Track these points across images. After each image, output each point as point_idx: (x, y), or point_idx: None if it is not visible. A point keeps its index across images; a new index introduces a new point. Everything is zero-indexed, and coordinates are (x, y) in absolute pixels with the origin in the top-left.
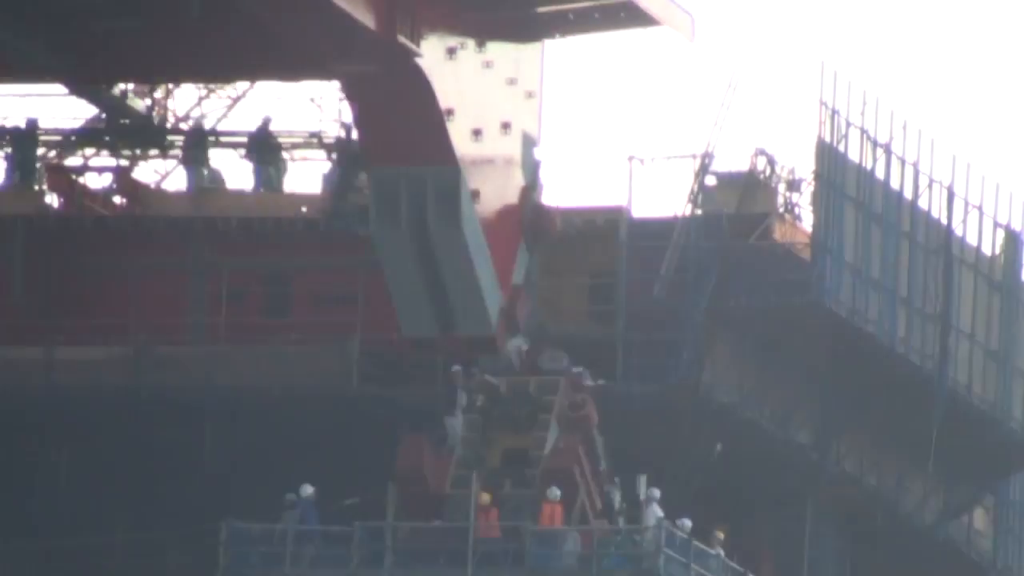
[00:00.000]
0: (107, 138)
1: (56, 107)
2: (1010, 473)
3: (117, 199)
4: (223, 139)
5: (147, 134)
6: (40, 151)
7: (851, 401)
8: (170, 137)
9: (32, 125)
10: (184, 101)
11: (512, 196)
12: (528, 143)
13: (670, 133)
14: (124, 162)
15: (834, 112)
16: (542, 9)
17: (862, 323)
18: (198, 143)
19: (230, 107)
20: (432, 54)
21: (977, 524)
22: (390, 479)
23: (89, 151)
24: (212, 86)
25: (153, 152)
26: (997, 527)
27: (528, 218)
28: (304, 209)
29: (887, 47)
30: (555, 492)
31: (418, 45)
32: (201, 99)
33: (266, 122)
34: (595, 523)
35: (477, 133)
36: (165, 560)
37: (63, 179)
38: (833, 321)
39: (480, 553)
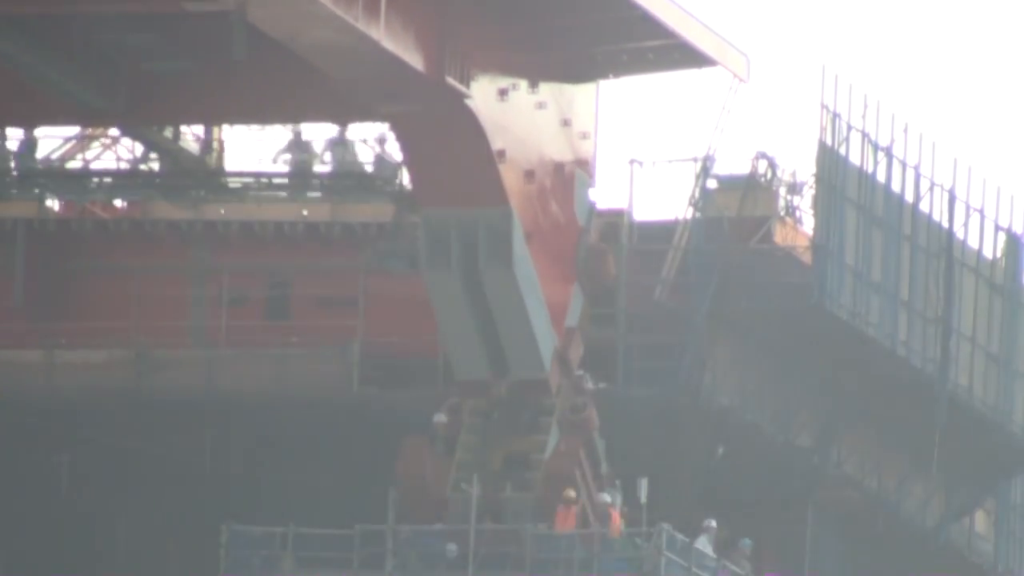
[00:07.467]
0: (158, 180)
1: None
2: (1011, 476)
3: (117, 202)
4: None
5: (199, 176)
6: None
7: (852, 404)
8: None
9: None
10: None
11: (566, 238)
12: (582, 184)
13: (671, 136)
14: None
15: (835, 115)
16: (595, 50)
17: (863, 326)
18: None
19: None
20: (483, 95)
21: (978, 527)
22: (391, 482)
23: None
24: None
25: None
26: (998, 530)
27: (582, 259)
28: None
29: (888, 50)
30: (571, 494)
31: (468, 86)
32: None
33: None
34: (596, 526)
35: (530, 174)
36: (165, 562)
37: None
38: (834, 324)
39: (481, 556)
